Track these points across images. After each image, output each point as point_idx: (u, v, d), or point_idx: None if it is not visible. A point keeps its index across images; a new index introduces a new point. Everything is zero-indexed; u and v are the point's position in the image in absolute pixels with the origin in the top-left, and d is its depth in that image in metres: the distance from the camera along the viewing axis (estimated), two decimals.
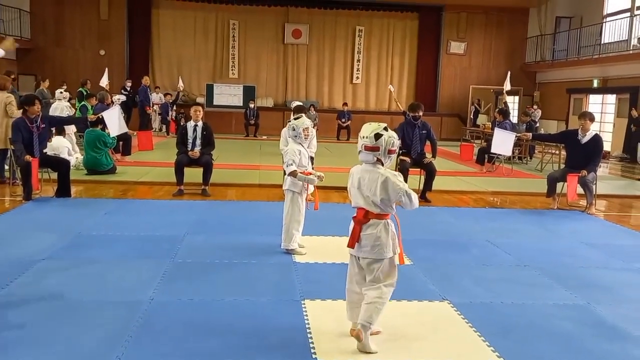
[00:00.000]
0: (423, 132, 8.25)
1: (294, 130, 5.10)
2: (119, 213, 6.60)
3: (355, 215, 3.31)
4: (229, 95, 19.54)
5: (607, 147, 15.23)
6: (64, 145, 9.33)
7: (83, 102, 12.72)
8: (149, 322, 3.53)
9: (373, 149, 3.19)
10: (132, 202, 7.31)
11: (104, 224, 6.05)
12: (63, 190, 7.31)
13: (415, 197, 3.28)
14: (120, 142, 10.74)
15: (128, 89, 17.09)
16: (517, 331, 3.59)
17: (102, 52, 19.80)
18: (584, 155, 7.63)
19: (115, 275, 4.37)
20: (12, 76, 12.77)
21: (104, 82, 13.96)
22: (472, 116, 20.50)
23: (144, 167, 10.11)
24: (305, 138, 5.13)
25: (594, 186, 7.86)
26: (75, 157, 9.66)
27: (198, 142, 7.82)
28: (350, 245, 3.29)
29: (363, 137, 3.22)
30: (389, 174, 3.21)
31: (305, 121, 5.18)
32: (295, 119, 5.28)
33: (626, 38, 16.37)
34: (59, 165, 7.38)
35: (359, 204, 3.29)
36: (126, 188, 8.31)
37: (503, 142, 7.63)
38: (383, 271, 3.26)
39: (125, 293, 3.99)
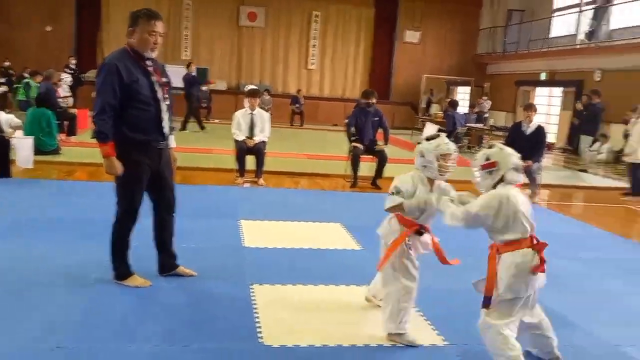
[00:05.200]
0: (375, 119, 8.29)
1: (423, 157, 3.19)
2: (62, 195, 6.40)
3: (535, 243, 2.80)
4: (181, 77, 19.10)
5: (552, 138, 15.72)
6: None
7: (27, 80, 12.25)
8: (92, 305, 3.44)
9: None
10: (77, 184, 7.10)
11: (47, 206, 5.85)
12: (2, 169, 7.02)
13: None
14: (65, 122, 10.39)
15: (73, 67, 16.47)
16: (461, 315, 3.65)
17: (49, 29, 19.07)
18: (528, 146, 7.84)
19: (58, 258, 4.22)
20: None
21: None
22: (424, 105, 20.78)
23: (90, 148, 9.79)
24: (441, 172, 3.16)
25: (538, 176, 8.10)
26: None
27: None
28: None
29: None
30: None
31: (443, 144, 3.17)
32: (429, 139, 3.26)
33: (574, 32, 16.86)
34: None
35: (533, 226, 2.84)
36: (71, 169, 8.06)
37: None
38: None
39: (69, 276, 3.86)
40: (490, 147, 2.92)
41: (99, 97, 3.44)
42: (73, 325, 3.16)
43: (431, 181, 3.24)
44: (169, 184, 3.84)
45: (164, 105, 3.62)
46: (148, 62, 3.58)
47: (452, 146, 3.20)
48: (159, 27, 3.53)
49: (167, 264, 3.96)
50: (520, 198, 2.78)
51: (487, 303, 2.78)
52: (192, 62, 15.09)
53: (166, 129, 3.66)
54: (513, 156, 2.82)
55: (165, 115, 3.63)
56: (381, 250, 3.39)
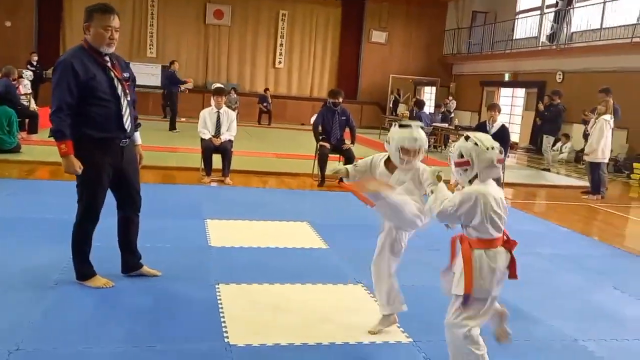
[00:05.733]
0: (343, 118, 8.33)
1: (388, 143, 3.19)
2: (23, 194, 6.25)
3: (508, 241, 2.70)
4: (146, 74, 18.83)
5: (515, 138, 16.04)
6: None
7: None
8: (54, 307, 3.37)
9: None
10: (38, 183, 6.95)
11: (5, 205, 5.71)
12: None
13: None
14: (26, 120, 10.15)
15: (34, 63, 16.09)
16: (425, 311, 3.71)
17: (8, 24, 18.56)
18: None
19: (18, 258, 4.12)
20: None
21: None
22: (391, 105, 20.96)
23: (51, 146, 9.58)
24: (402, 161, 3.12)
25: (502, 174, 8.25)
26: None
27: None
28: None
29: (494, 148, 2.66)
30: None
31: (408, 139, 3.09)
32: (402, 126, 3.18)
33: (536, 35, 17.23)
34: None
35: (505, 223, 2.69)
36: (32, 168, 7.87)
37: None
38: None
39: (29, 277, 3.77)
40: (466, 138, 2.69)
41: (55, 95, 3.38)
42: (33, 326, 3.09)
43: (393, 166, 3.20)
44: (133, 182, 3.77)
45: (124, 102, 3.55)
46: (106, 58, 3.52)
47: (417, 142, 3.08)
48: (115, 21, 3.47)
49: (130, 264, 3.90)
50: (494, 195, 2.64)
51: (466, 302, 2.63)
52: (175, 60, 15.08)
53: (127, 126, 3.60)
54: (488, 152, 2.62)
55: (126, 112, 3.57)
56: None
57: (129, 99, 3.60)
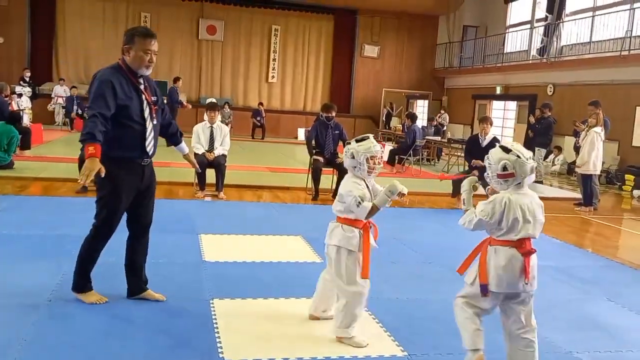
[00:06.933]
0: (336, 132, 8.38)
1: (353, 158, 3.43)
2: (16, 210, 6.21)
3: (522, 246, 2.83)
4: None
5: None
6: None
7: None
8: (46, 325, 3.35)
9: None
10: (31, 199, 6.91)
11: None
12: None
13: None
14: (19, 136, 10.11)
15: (27, 79, 16.10)
16: (420, 324, 3.72)
17: (1, 40, 18.59)
18: (485, 157, 8.03)
19: (10, 275, 4.10)
20: None
21: None
22: (384, 118, 21.05)
23: (44, 162, 9.59)
24: (369, 172, 3.42)
25: None
26: None
27: None
28: (530, 282, 2.84)
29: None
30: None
31: (372, 146, 3.41)
32: (358, 141, 3.48)
33: (526, 48, 17.41)
34: None
35: (530, 234, 2.86)
36: (24, 184, 7.84)
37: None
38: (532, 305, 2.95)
39: (20, 295, 3.75)
40: (506, 150, 2.88)
41: (92, 106, 3.37)
42: (26, 344, 3.07)
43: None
44: (148, 201, 3.76)
45: (150, 125, 3.59)
46: (140, 80, 3.59)
47: (379, 147, 3.45)
48: (155, 45, 3.57)
49: (133, 287, 3.84)
50: (521, 203, 2.83)
51: (484, 291, 2.84)
52: (180, 77, 15.19)
53: (150, 149, 3.62)
54: (528, 162, 2.85)
55: (150, 135, 3.60)
56: (329, 259, 3.51)
57: (154, 122, 3.64)
